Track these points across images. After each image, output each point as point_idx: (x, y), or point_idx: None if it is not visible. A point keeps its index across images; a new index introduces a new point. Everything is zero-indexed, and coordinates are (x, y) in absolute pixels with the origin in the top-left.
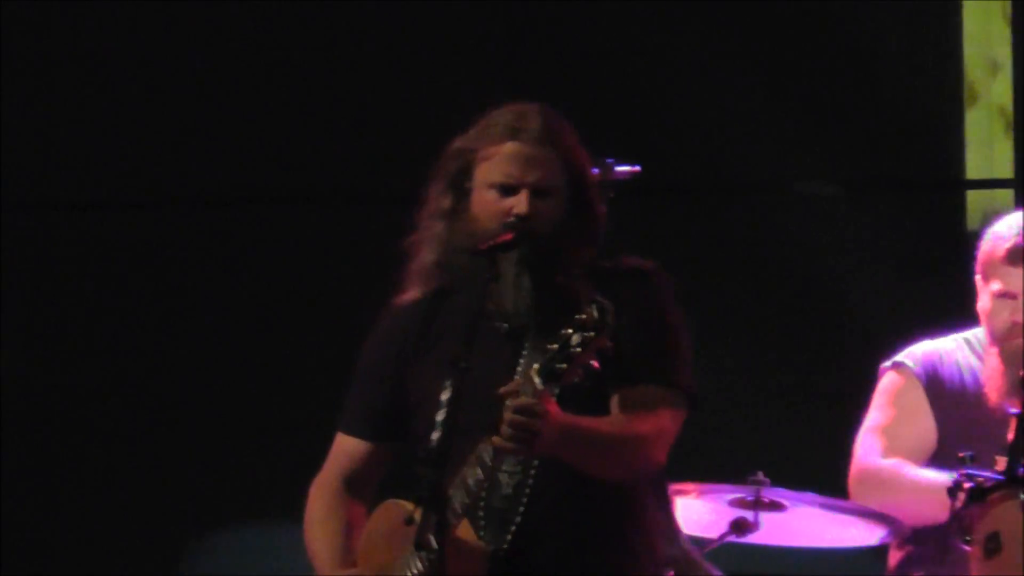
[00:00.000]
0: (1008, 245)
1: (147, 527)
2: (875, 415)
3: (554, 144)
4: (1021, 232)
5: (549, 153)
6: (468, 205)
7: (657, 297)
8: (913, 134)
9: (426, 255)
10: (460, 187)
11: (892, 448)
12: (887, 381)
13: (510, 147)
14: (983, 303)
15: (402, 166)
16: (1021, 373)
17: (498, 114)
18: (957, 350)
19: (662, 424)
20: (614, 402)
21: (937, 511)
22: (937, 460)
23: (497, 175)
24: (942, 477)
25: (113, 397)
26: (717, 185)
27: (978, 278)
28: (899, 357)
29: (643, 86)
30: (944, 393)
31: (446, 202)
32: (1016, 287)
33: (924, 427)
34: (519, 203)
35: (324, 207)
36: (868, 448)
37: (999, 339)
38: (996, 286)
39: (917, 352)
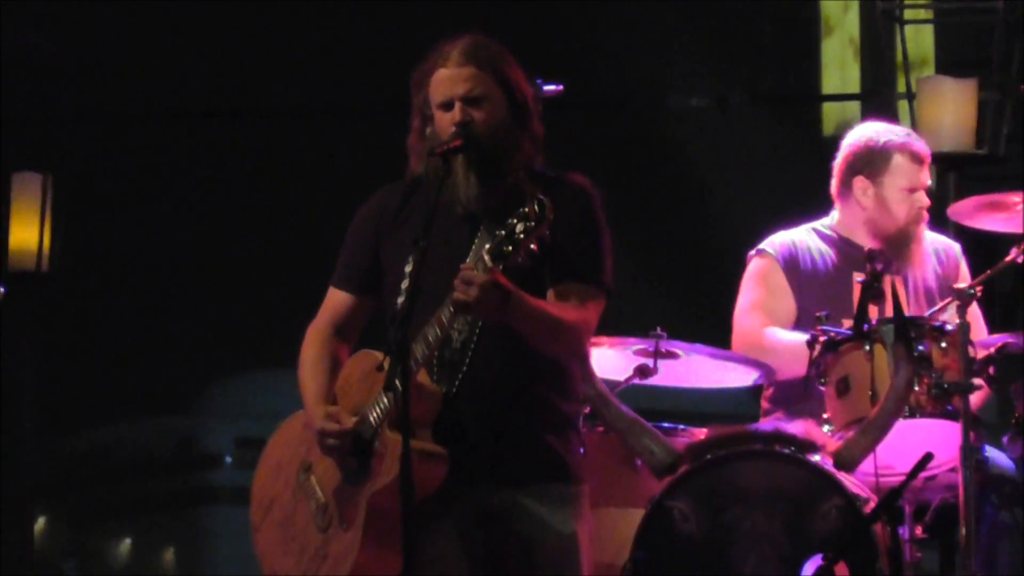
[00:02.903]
0: (912, 148)
1: (173, 370)
2: (748, 295)
3: (476, 61)
4: (913, 139)
5: (471, 69)
6: (433, 124)
7: (590, 207)
8: (780, 58)
9: (414, 162)
10: (425, 113)
11: (767, 320)
12: (754, 266)
13: (439, 74)
14: (885, 194)
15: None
16: (867, 248)
17: (432, 51)
18: (808, 237)
19: (589, 316)
20: (551, 295)
21: (803, 367)
22: (799, 326)
23: (437, 97)
24: (807, 336)
25: (150, 268)
26: (632, 97)
27: (859, 177)
28: (762, 245)
29: (541, 10)
30: (799, 272)
31: (418, 125)
32: (921, 182)
33: (787, 301)
34: (455, 113)
35: (314, 119)
36: (747, 322)
37: (907, 223)
38: (900, 182)
39: (776, 241)
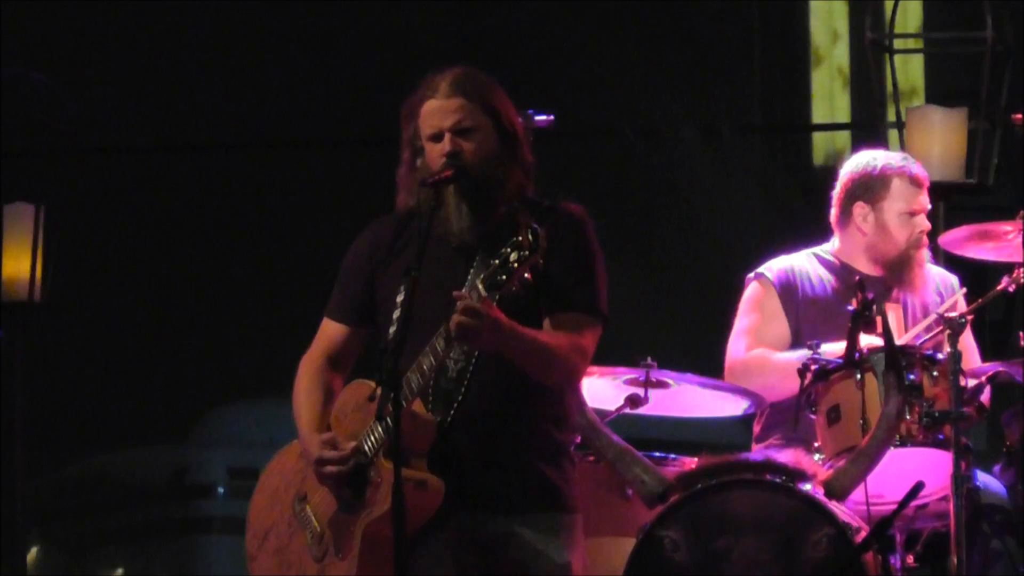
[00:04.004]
0: (910, 172)
1: (166, 400)
2: (742, 320)
3: (464, 93)
4: (910, 164)
5: (460, 100)
6: (424, 156)
7: (584, 234)
8: (769, 89)
9: (402, 196)
10: (415, 145)
11: (758, 344)
12: (751, 290)
13: (429, 105)
14: (884, 219)
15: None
16: (857, 278)
17: (422, 82)
18: (807, 262)
19: (585, 344)
20: (547, 324)
21: (794, 385)
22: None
23: (427, 129)
24: (796, 355)
25: (143, 299)
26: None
27: (858, 203)
28: (760, 269)
29: (537, 47)
30: (796, 298)
31: (408, 157)
32: (920, 205)
33: (780, 326)
34: (445, 144)
35: (309, 151)
36: (739, 346)
37: (908, 247)
38: (899, 206)
39: (774, 266)
